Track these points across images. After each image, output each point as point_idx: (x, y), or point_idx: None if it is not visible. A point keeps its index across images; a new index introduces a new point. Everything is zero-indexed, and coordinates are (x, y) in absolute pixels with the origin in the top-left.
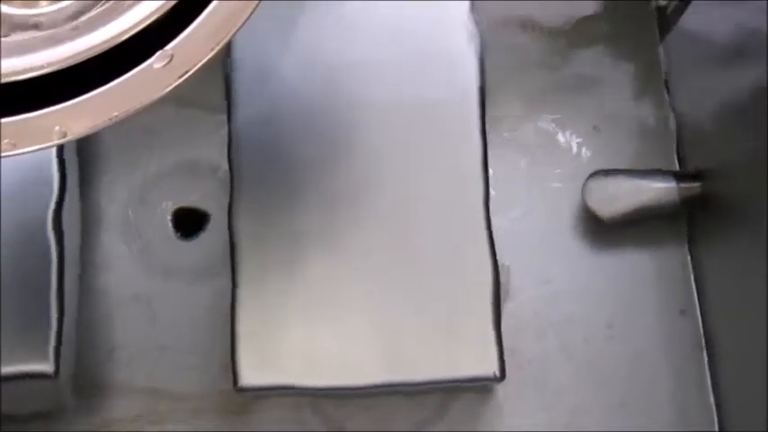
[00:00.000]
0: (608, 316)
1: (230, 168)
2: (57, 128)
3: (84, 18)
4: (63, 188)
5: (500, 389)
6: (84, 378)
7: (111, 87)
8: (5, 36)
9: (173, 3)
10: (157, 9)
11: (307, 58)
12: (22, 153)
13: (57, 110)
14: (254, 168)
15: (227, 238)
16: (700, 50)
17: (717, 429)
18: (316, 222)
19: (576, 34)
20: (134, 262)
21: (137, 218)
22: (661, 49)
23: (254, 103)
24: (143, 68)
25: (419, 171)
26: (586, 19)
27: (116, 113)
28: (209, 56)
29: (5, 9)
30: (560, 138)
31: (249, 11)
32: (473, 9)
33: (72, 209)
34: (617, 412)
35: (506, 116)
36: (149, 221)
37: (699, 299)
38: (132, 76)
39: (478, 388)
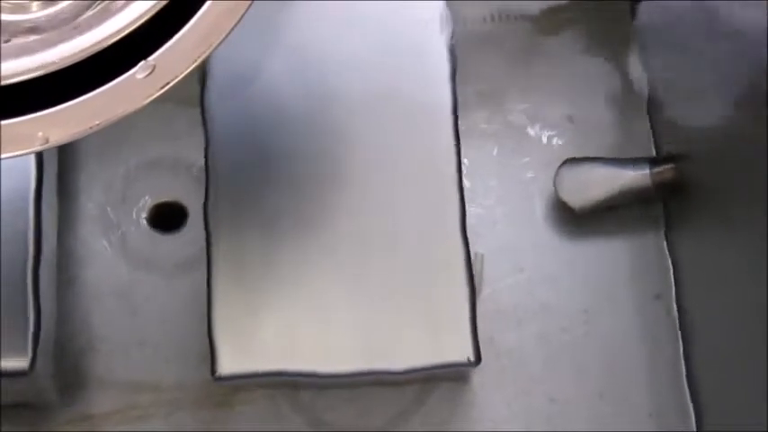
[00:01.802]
0: (584, 303)
1: (206, 160)
2: (39, 134)
3: (83, 18)
4: (40, 181)
5: (477, 378)
6: (65, 372)
7: (93, 96)
8: (6, 42)
9: None
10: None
11: (281, 51)
12: (4, 159)
13: (40, 116)
14: (230, 160)
15: None
16: (671, 36)
17: (693, 417)
18: (291, 212)
19: (548, 23)
20: (113, 256)
21: (115, 212)
22: (633, 36)
23: (228, 95)
24: (125, 78)
25: (394, 162)
26: (558, 8)
27: (98, 122)
28: (192, 68)
29: None
30: (533, 128)
31: (233, 23)
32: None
33: (50, 202)
34: (593, 398)
35: (479, 107)
36: (128, 216)
37: (674, 283)
38: (115, 85)
39: (456, 377)
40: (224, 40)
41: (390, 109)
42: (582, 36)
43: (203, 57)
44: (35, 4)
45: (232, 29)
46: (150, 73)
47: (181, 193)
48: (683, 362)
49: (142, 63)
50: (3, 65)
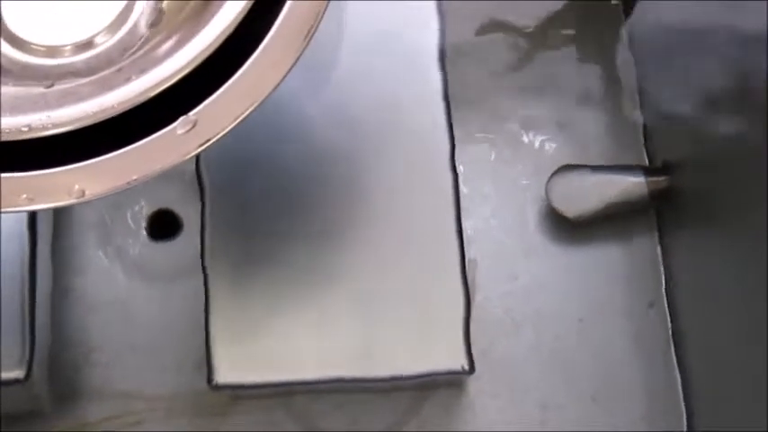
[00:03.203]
0: (578, 311)
1: (197, 167)
2: (76, 187)
3: (125, 62)
4: None
5: (472, 385)
6: (60, 381)
7: (132, 149)
8: (49, 87)
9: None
10: (210, 44)
11: None
12: (37, 209)
13: (77, 168)
14: (225, 171)
15: None
16: (663, 44)
17: (685, 421)
18: (287, 220)
19: (541, 32)
20: (109, 265)
21: (112, 221)
22: (626, 44)
23: None
24: (165, 133)
25: (390, 171)
26: (551, 17)
27: (135, 177)
28: (232, 125)
29: (28, 59)
30: (528, 136)
31: (277, 80)
32: (440, 8)
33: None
34: (588, 406)
35: (474, 116)
36: (124, 224)
37: (667, 291)
38: (154, 139)
39: (451, 385)
40: (268, 97)
41: (384, 119)
42: (574, 44)
43: (245, 114)
44: (68, 48)
45: (276, 86)
46: (191, 129)
47: (177, 200)
48: (676, 367)
49: (183, 118)
50: (58, 111)
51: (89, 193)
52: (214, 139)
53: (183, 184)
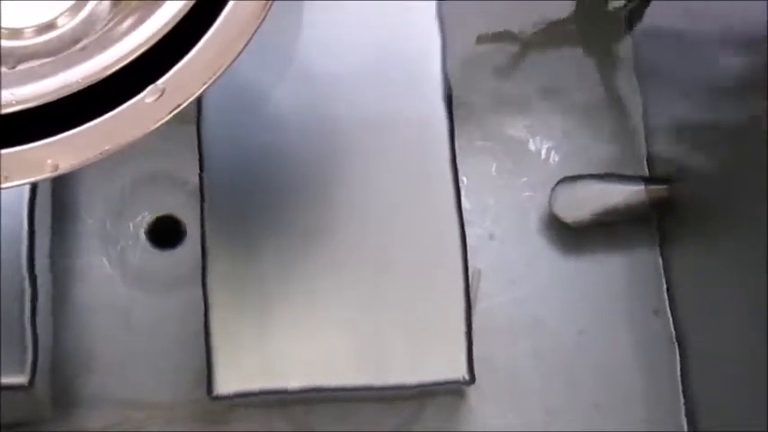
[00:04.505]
0: (581, 318)
1: (200, 179)
2: (49, 161)
3: (88, 41)
4: (34, 195)
5: (473, 393)
6: (61, 388)
7: (102, 121)
8: (12, 68)
9: (183, 14)
10: (168, 21)
11: (277, 70)
12: (13, 186)
13: (49, 143)
14: (225, 177)
15: None
16: (668, 52)
17: (686, 427)
18: (287, 229)
19: (546, 39)
20: (111, 272)
21: (113, 228)
22: (630, 53)
23: (223, 111)
24: (134, 102)
25: (391, 180)
26: (555, 24)
27: (107, 147)
28: (201, 91)
29: None
30: (531, 144)
31: (241, 46)
32: (440, 14)
33: (43, 220)
34: (590, 413)
35: (477, 124)
36: (126, 232)
37: (669, 299)
38: (124, 109)
39: (451, 393)
40: (233, 62)
41: (387, 128)
42: (577, 52)
43: (213, 79)
44: (28, 31)
45: (241, 51)
46: (159, 96)
47: (179, 209)
48: (678, 375)
49: (151, 87)
50: (22, 89)
51: (63, 167)
52: (183, 105)
53: (186, 194)
